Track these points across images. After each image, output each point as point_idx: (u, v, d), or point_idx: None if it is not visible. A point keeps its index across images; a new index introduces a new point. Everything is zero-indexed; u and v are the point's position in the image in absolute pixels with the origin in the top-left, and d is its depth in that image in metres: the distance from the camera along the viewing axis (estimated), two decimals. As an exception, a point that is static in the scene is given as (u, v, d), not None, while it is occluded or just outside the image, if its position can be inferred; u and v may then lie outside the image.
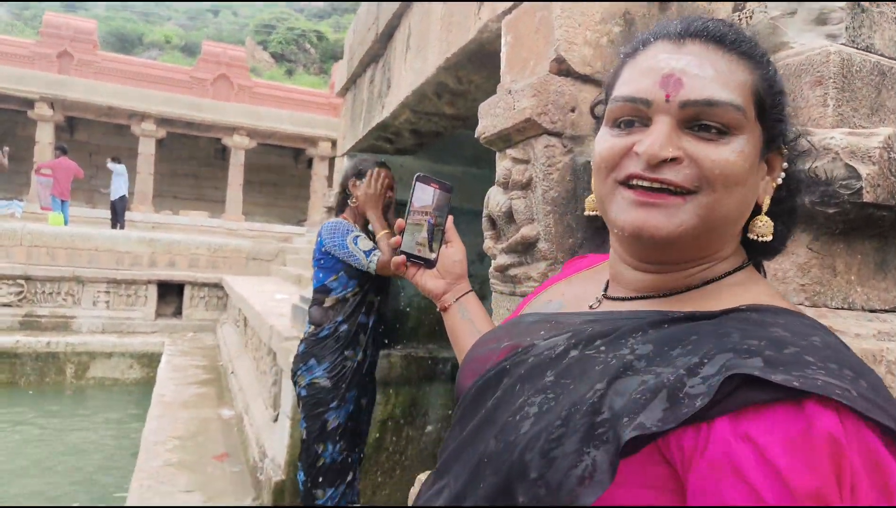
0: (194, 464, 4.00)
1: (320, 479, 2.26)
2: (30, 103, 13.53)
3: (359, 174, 2.48)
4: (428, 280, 0.99)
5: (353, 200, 2.50)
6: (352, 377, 2.31)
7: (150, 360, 8.39)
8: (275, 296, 6.66)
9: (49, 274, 8.88)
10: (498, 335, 0.77)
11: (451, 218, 1.00)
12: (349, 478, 2.33)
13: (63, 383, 8.08)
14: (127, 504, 3.38)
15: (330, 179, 15.92)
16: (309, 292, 4.04)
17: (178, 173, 17.61)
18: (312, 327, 2.40)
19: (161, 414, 5.08)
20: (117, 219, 11.76)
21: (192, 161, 17.87)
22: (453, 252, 0.99)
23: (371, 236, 2.54)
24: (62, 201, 11.08)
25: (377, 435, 3.25)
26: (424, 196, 0.97)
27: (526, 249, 1.25)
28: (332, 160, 16.07)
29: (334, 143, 15.80)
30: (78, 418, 6.97)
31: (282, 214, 18.17)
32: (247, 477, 3.79)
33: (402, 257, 0.96)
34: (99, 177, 13.88)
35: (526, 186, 1.25)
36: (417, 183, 0.95)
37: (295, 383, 2.39)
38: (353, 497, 2.37)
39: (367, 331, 2.38)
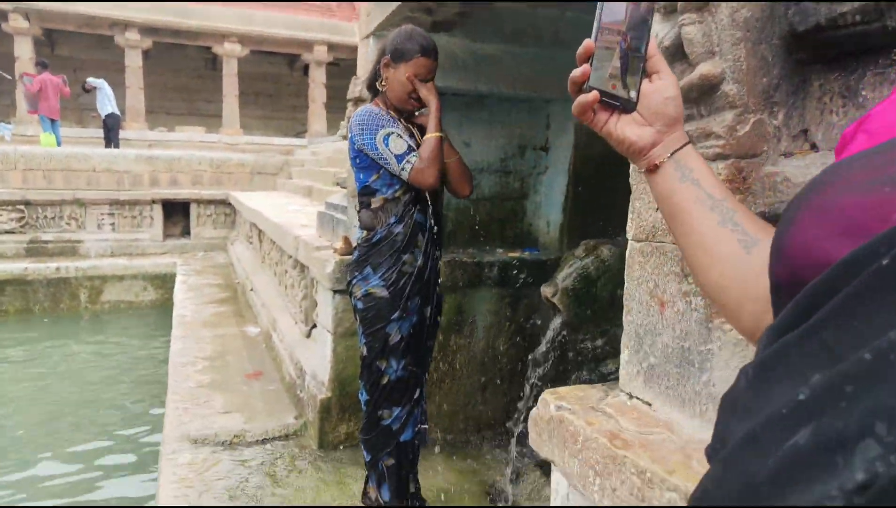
0: (227, 384, 3.83)
1: (384, 398, 2.03)
2: (3, 15, 12.65)
3: (396, 54, 2.08)
4: (627, 128, 0.67)
5: (383, 83, 2.10)
6: (413, 285, 2.03)
7: (164, 281, 8.20)
8: (288, 208, 6.34)
9: (49, 198, 8.53)
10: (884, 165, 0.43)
11: (653, 39, 0.67)
12: (416, 395, 2.11)
13: (78, 308, 7.93)
14: (165, 427, 3.23)
15: (329, 85, 15.17)
16: (335, 199, 3.72)
17: (169, 87, 16.80)
18: (365, 232, 2.09)
19: (184, 335, 4.90)
20: (111, 138, 11.23)
21: (181, 73, 17.00)
22: (663, 87, 0.66)
23: (414, 130, 2.18)
24: (52, 121, 10.52)
25: (423, 347, 3.04)
26: (616, 10, 0.64)
27: (703, 94, 0.91)
28: (329, 66, 15.25)
29: (331, 46, 14.93)
30: (99, 344, 6.85)
31: (280, 126, 17.50)
32: (284, 395, 3.63)
33: (594, 94, 0.63)
34: (87, 95, 13.19)
35: (703, 5, 0.89)
36: None
37: (350, 293, 2.12)
38: (421, 417, 2.16)
39: (426, 231, 2.07)
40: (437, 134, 2.03)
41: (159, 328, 6.81)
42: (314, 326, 3.74)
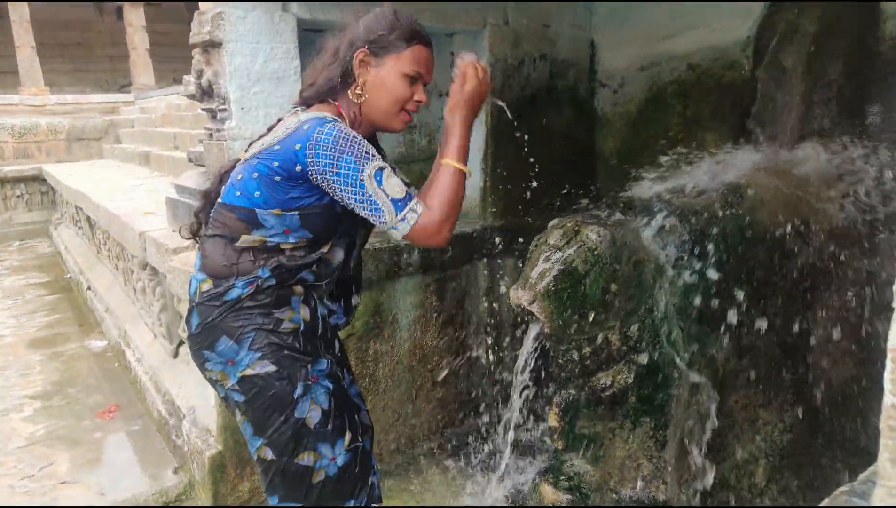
0: (73, 431, 2.93)
1: (328, 501, 1.38)
2: None
3: (378, 44, 1.35)
4: None
5: (358, 89, 1.37)
6: (309, 343, 1.38)
7: (-31, 286, 6.62)
8: (125, 184, 5.18)
9: None
10: None
11: None
12: (371, 479, 1.48)
13: None
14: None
15: (151, 30, 13.08)
16: (188, 180, 2.85)
17: (-59, 41, 13.69)
18: (209, 280, 1.35)
19: (3, 365, 3.80)
20: None
21: (-45, 23, 13.90)
22: None
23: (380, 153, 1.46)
24: None
25: (335, 360, 2.40)
26: None
27: None
28: (148, 6, 13.12)
29: (147, -17, 12.79)
30: None
31: (97, 80, 15.00)
32: (154, 438, 2.82)
33: None
34: None
35: None
36: None
37: (212, 382, 1.41)
38: (377, 493, 1.54)
39: (318, 286, 1.42)
40: (462, 167, 1.33)
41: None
42: (182, 342, 2.93)
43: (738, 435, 1.96)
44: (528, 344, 1.76)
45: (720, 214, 1.74)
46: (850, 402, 2.20)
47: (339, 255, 1.45)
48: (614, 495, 1.80)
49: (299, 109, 1.41)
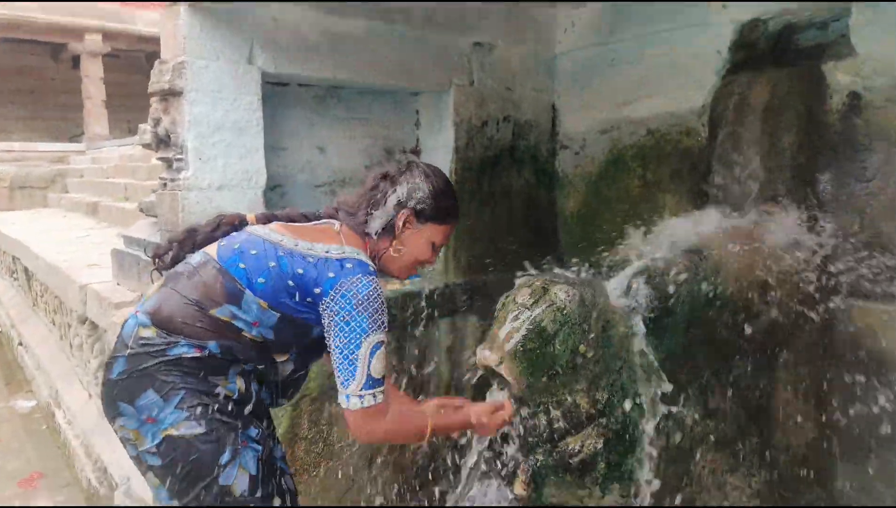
0: (-11, 503, 2.66)
1: None
2: None
3: (427, 212, 1.42)
4: None
5: (398, 244, 1.42)
6: (241, 410, 1.29)
7: None
8: (70, 235, 4.95)
9: None
10: None
11: None
12: None
13: None
14: None
15: (108, 81, 12.93)
16: (138, 232, 2.73)
17: None
18: (153, 328, 1.25)
19: (-84, 428, 3.46)
20: None
21: None
22: None
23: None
24: None
25: (287, 424, 2.26)
26: None
27: None
28: (106, 58, 13.02)
29: (107, 35, 12.74)
30: None
31: (49, 128, 14.59)
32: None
33: None
34: None
35: None
36: None
37: (122, 441, 1.28)
38: None
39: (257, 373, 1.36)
40: (429, 432, 1.38)
41: None
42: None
43: (706, 502, 1.90)
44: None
45: (684, 275, 1.74)
46: (810, 466, 2.19)
47: (288, 367, 1.40)
48: (583, 569, 1.70)
49: (336, 223, 1.42)
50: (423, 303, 2.55)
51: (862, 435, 2.12)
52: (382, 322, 1.26)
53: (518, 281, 1.68)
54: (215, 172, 2.12)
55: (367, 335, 1.23)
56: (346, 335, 1.23)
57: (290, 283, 1.26)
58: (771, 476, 2.05)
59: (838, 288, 2.08)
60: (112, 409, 1.26)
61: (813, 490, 2.18)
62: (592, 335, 1.60)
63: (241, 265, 1.28)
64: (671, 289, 1.71)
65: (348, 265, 1.27)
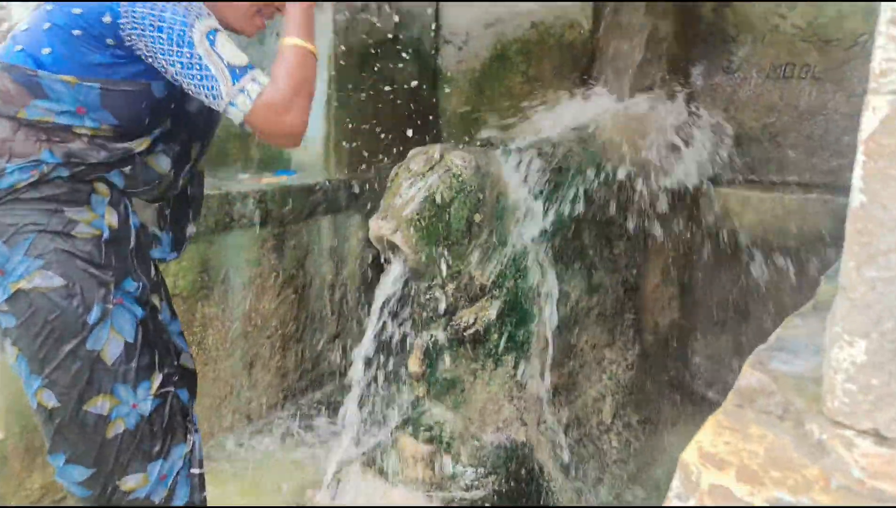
0: None
1: (125, 460, 1.07)
2: None
3: None
4: None
5: None
6: (114, 255, 1.09)
7: None
8: None
9: None
10: None
11: None
12: (191, 438, 1.20)
13: None
14: None
15: None
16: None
17: None
18: None
19: None
20: None
21: None
22: None
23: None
24: None
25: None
26: None
27: None
28: None
29: None
30: None
31: None
32: None
33: None
34: None
35: None
36: None
37: None
38: (197, 456, 1.27)
39: (131, 193, 1.14)
40: (308, 45, 1.09)
41: None
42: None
43: (588, 375, 2.00)
44: (388, 287, 1.62)
45: (575, 148, 1.75)
46: (673, 343, 2.38)
47: (164, 163, 1.18)
48: (475, 441, 1.73)
49: None
50: (303, 199, 2.39)
51: (717, 311, 2.33)
52: (199, 8, 1.04)
53: (412, 151, 1.59)
54: None
55: (192, 26, 1.01)
56: (169, 41, 1.00)
57: (78, 32, 1.01)
58: (640, 351, 2.20)
59: (705, 175, 2.22)
60: None
61: (671, 367, 2.39)
62: (487, 207, 1.56)
63: (18, 48, 1.03)
64: (564, 163, 1.71)
65: None
